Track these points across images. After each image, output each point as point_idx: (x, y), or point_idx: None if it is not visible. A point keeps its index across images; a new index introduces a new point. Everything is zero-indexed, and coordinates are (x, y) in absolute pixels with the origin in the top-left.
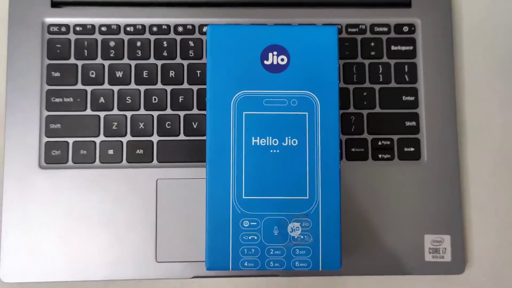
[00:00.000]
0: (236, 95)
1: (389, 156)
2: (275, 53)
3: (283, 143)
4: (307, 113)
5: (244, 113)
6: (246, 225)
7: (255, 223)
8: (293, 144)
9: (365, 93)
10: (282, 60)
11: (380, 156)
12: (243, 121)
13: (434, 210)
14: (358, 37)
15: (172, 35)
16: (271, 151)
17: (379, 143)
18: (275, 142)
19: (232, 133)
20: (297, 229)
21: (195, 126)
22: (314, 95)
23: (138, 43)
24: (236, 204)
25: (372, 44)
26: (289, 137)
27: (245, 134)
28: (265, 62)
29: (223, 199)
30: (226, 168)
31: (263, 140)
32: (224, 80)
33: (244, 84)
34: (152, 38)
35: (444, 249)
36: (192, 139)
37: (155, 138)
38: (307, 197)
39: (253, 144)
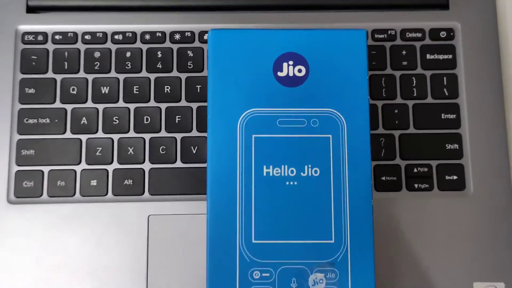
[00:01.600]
0: (244, 114)
1: (427, 186)
2: (291, 62)
3: (302, 174)
4: (331, 135)
5: (253, 136)
6: (257, 277)
7: (268, 274)
8: (315, 175)
9: (396, 111)
10: (300, 71)
11: (416, 186)
12: (252, 146)
13: (484, 252)
14: (386, 44)
15: (167, 43)
16: (287, 183)
17: (415, 170)
18: (292, 172)
19: (239, 160)
20: (321, 281)
21: (194, 152)
22: (339, 114)
23: (128, 54)
24: (244, 249)
25: (404, 52)
26: (310, 166)
27: (255, 162)
28: (279, 73)
29: (228, 243)
30: (232, 205)
31: (277, 170)
32: (228, 96)
33: (254, 100)
34: (144, 47)
35: None
36: (191, 167)
37: (147, 166)
38: (333, 241)
39: (264, 174)
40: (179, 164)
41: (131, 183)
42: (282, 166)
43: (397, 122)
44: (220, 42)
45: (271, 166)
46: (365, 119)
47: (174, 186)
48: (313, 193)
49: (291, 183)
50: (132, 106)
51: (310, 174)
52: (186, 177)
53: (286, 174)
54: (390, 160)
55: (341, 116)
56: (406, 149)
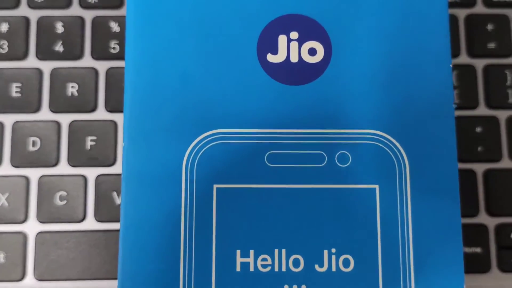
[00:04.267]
0: (197, 140)
1: None
2: (294, 35)
3: (317, 268)
4: (377, 186)
5: (215, 186)
6: None
7: None
8: (344, 270)
9: (478, 129)
10: (313, 52)
11: None
12: (213, 209)
13: None
14: (460, 12)
15: (75, 9)
16: (287, 287)
17: None
18: (296, 264)
19: (185, 238)
20: None
21: (118, 202)
22: (393, 140)
23: (4, 27)
24: None
25: (490, 27)
26: (333, 251)
27: (218, 242)
28: (270, 57)
29: None
30: None
31: (264, 260)
32: (166, 104)
33: (218, 113)
34: (34, 15)
35: None
36: (112, 229)
37: (32, 228)
38: None
39: (238, 269)
40: (90, 223)
41: (3, 260)
42: (276, 252)
43: (480, 149)
44: None
45: (251, 252)
46: (449, 152)
47: (81, 265)
48: None
49: (295, 287)
50: (8, 119)
51: (334, 269)
52: (102, 247)
53: (284, 269)
54: (470, 217)
55: (399, 146)
56: (497, 196)
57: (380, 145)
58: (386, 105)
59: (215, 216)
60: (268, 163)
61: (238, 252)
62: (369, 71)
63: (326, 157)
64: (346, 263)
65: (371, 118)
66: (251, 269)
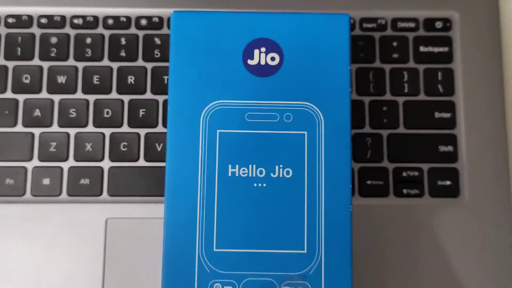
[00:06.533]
0: (208, 106)
1: (417, 191)
2: (263, 49)
3: (272, 174)
4: (306, 132)
5: (218, 131)
6: None
7: (231, 287)
8: (286, 176)
9: (385, 108)
10: (273, 59)
11: (405, 191)
12: (217, 143)
13: (481, 267)
14: (376, 34)
15: (132, 29)
16: (255, 185)
17: (404, 174)
18: (260, 172)
19: (201, 159)
20: None
21: (159, 149)
22: (316, 108)
23: (88, 40)
24: (204, 259)
25: (395, 44)
26: (281, 166)
27: (219, 160)
28: (249, 62)
29: (186, 252)
30: (191, 208)
31: (244, 170)
32: (191, 86)
33: (219, 91)
34: (107, 33)
35: None
36: (155, 166)
37: (106, 164)
38: (305, 251)
39: (229, 174)
40: (142, 162)
41: (88, 183)
42: (250, 166)
43: (385, 120)
44: (183, 26)
45: (237, 166)
46: (345, 115)
47: (136, 187)
48: (284, 197)
49: (260, 185)
50: (91, 98)
51: (281, 175)
52: (149, 177)
53: (254, 175)
54: (377, 163)
55: (318, 111)
56: (394, 150)
57: (308, 109)
58: (312, 87)
59: (218, 147)
60: (247, 119)
61: (230, 165)
62: (302, 69)
63: (278, 116)
64: (288, 172)
65: (303, 95)
66: (236, 175)
